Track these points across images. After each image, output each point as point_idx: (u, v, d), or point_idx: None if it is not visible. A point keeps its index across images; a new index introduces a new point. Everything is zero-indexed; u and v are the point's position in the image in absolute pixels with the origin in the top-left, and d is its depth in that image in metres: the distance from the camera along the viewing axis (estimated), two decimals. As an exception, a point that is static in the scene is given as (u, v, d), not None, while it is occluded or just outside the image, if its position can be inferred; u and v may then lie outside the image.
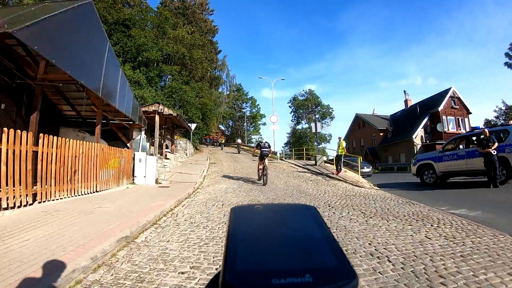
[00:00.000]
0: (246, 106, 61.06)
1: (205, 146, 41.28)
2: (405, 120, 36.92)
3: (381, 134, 38.67)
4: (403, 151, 33.43)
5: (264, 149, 11.04)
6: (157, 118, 14.44)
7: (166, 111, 14.45)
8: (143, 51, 23.96)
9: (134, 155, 11.17)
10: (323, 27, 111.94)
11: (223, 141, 42.10)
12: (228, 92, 41.14)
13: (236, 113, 58.50)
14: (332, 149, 18.75)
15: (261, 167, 10.86)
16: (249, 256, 0.36)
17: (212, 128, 36.81)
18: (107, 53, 7.75)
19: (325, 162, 18.29)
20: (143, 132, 11.75)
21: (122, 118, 11.09)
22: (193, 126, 23.69)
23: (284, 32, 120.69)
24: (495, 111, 42.78)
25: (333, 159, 17.93)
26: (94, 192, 7.99)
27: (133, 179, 11.03)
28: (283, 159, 23.07)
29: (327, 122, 64.39)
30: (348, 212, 6.20)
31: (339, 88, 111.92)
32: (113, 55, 8.57)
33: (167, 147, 17.99)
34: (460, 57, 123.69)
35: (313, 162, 20.09)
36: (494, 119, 42.94)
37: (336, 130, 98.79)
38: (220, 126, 65.02)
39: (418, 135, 33.09)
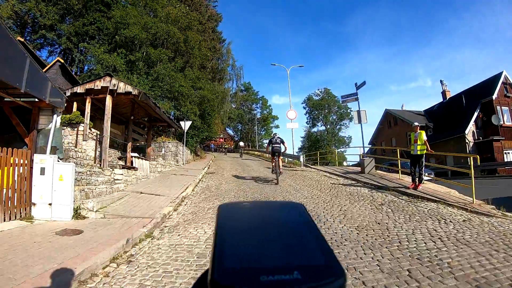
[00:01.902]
0: (257, 107, 55.06)
1: (210, 152, 36.30)
2: (447, 114, 30.11)
3: (418, 132, 32.00)
4: (451, 151, 26.75)
5: (275, 145, 9.85)
6: (108, 100, 8.73)
7: (122, 87, 8.71)
8: (122, 29, 18.49)
9: (33, 160, 5.50)
10: (331, 32, 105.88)
11: (227, 146, 37.55)
12: (235, 89, 35.41)
13: (246, 115, 52.61)
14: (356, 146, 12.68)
15: (273, 164, 10.00)
16: (237, 253, 0.35)
17: (217, 130, 31.07)
18: None
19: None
20: (57, 118, 6.04)
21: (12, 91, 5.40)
22: (187, 124, 18.01)
23: (291, 38, 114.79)
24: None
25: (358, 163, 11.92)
26: None
27: (29, 210, 5.34)
28: (309, 165, 17.02)
29: (346, 124, 58.12)
30: None
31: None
32: None
33: (139, 150, 12.32)
34: (468, 57, 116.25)
35: (354, 168, 14.05)
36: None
37: (355, 133, 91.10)
38: (227, 130, 59.63)
39: (470, 131, 26.51)
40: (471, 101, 28.01)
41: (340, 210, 5.82)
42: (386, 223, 4.84)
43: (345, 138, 57.16)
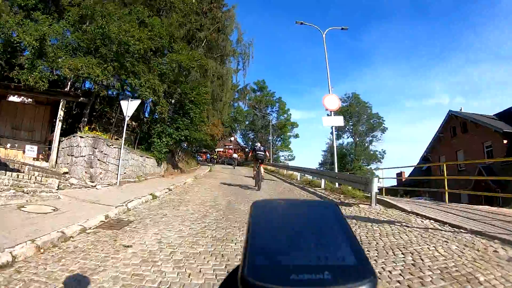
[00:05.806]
0: (272, 112, 45.78)
1: (209, 163, 28.34)
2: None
3: (505, 142, 21.17)
4: None
5: (259, 153, 10.15)
6: None
7: None
8: None
9: None
10: (347, 46, 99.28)
11: (215, 156, 35.38)
12: (243, 77, 26.59)
13: (258, 121, 43.44)
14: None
15: (255, 171, 10.30)
16: (268, 251, 0.35)
17: (215, 132, 22.02)
18: None
19: None
20: None
21: None
22: (131, 105, 9.13)
23: (307, 53, 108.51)
24: None
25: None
26: None
27: None
28: (391, 202, 7.22)
29: (377, 136, 48.16)
30: None
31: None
32: None
33: None
34: (487, 73, 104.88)
35: None
36: None
37: (389, 148, 79.97)
38: (237, 138, 50.63)
39: None
40: None
41: None
42: None
43: (377, 153, 47.07)
